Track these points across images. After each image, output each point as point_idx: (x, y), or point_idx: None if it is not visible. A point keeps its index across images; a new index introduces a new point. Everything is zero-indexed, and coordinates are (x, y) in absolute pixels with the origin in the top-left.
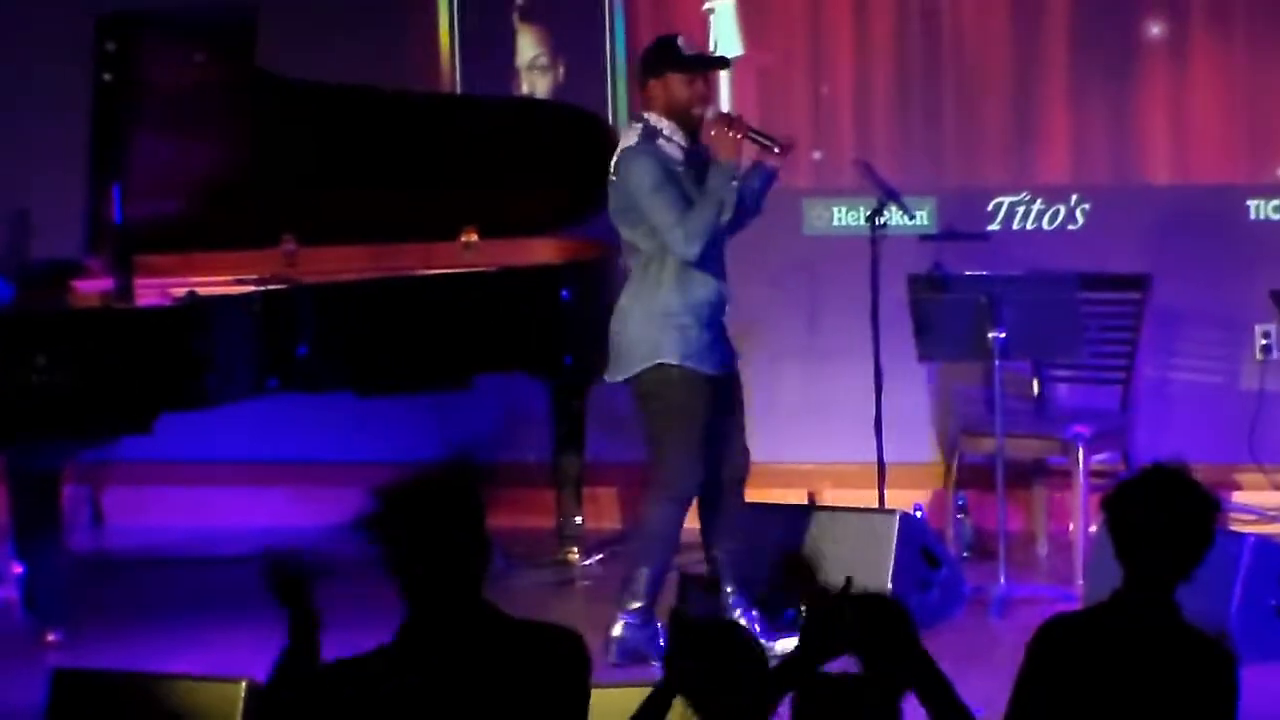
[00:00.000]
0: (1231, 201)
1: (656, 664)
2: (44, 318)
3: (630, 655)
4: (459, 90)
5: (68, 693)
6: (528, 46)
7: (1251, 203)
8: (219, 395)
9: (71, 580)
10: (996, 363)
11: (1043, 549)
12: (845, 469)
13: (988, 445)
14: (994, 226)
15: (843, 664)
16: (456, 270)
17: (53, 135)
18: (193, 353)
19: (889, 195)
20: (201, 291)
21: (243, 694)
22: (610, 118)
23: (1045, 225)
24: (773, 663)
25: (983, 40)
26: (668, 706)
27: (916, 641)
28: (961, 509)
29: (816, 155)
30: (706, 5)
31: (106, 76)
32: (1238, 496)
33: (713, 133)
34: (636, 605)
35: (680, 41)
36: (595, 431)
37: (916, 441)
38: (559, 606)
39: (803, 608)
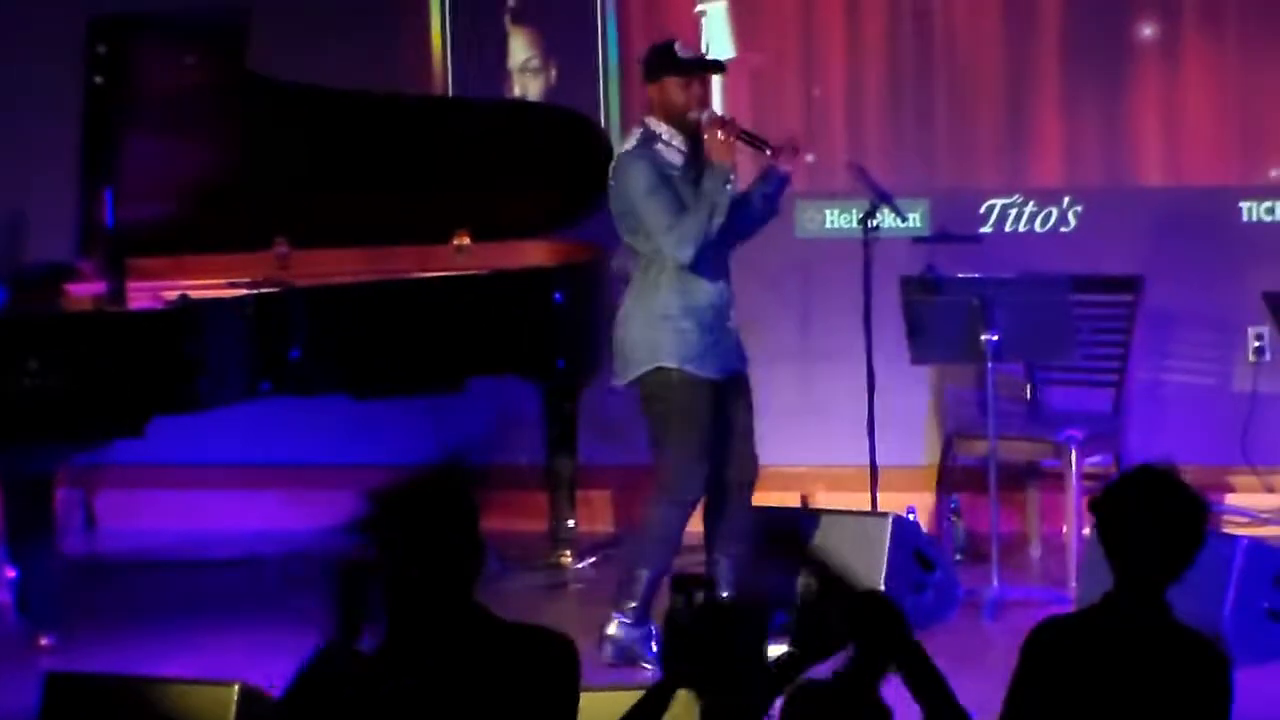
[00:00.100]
0: (1224, 203)
1: (648, 666)
2: (36, 321)
3: (623, 655)
4: (451, 93)
5: (61, 696)
6: (519, 49)
7: (1244, 204)
8: (211, 398)
9: (64, 584)
10: (989, 365)
11: (1036, 551)
12: (838, 471)
13: (980, 448)
14: (986, 229)
15: (835, 663)
16: (449, 273)
17: (51, 136)
18: (185, 356)
19: (881, 197)
20: (194, 294)
21: (235, 697)
22: (602, 120)
23: (1038, 227)
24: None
25: (975, 42)
26: (667, 703)
27: (909, 634)
28: (954, 511)
29: (809, 158)
30: (699, 7)
31: (98, 79)
32: (1231, 499)
33: (706, 136)
34: (632, 605)
35: (677, 46)
36: (588, 434)
37: (910, 444)
38: (551, 609)
39: (795, 607)
